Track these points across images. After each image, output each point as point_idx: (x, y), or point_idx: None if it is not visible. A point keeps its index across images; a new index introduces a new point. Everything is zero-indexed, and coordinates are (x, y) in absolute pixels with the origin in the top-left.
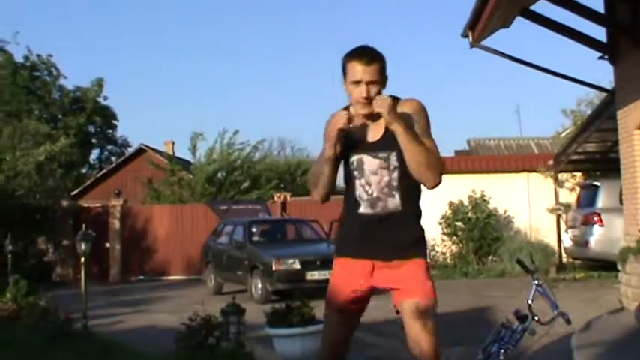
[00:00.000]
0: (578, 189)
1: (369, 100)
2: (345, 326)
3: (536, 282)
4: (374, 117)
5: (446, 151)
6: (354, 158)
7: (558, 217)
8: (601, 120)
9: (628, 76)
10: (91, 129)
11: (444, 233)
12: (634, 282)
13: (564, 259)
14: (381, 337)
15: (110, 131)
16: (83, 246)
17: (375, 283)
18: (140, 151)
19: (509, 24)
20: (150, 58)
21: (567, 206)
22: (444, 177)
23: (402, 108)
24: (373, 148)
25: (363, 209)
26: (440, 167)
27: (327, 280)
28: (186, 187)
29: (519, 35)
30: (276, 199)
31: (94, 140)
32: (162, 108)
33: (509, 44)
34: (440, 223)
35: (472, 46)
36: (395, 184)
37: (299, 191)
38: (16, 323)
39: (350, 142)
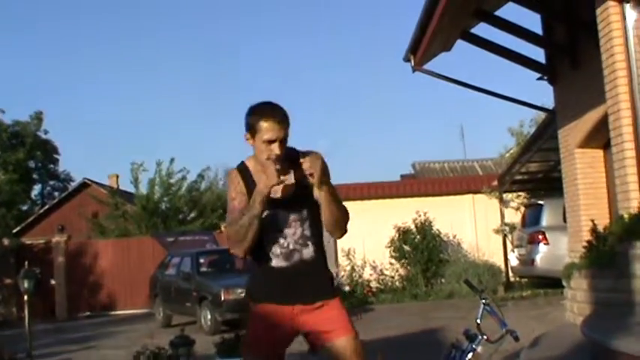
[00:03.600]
0: (523, 208)
1: (280, 157)
2: None
3: (483, 301)
4: (282, 172)
5: (392, 175)
6: (267, 213)
7: (504, 236)
8: (543, 140)
9: (567, 95)
10: (32, 164)
11: (392, 257)
12: (579, 297)
13: (512, 278)
14: None
15: (52, 166)
16: (26, 284)
17: (300, 327)
18: (83, 185)
19: (450, 47)
20: (90, 90)
21: (513, 226)
22: (391, 200)
23: (307, 161)
24: (287, 202)
25: (275, 263)
26: (347, 220)
27: None
28: (132, 220)
29: (462, 58)
30: (222, 228)
31: (35, 175)
32: (105, 141)
33: (452, 67)
34: (388, 247)
35: (414, 70)
36: (308, 234)
37: None
38: None
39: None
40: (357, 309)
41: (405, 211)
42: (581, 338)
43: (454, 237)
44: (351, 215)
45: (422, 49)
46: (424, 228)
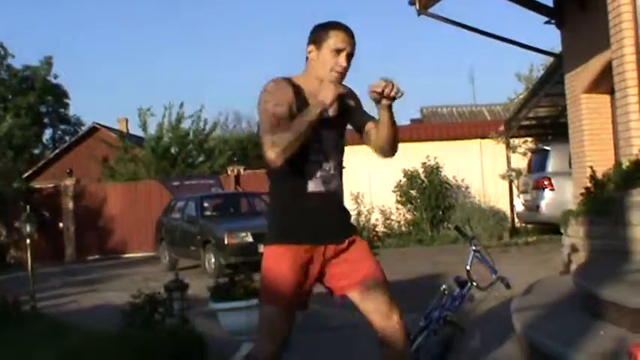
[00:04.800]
0: (529, 154)
1: (345, 71)
2: (293, 318)
3: (474, 248)
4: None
5: (401, 119)
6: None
7: (510, 182)
8: (550, 84)
9: (574, 39)
10: (43, 108)
11: (398, 202)
12: (576, 244)
13: (517, 224)
14: (331, 307)
15: (62, 110)
16: (28, 228)
17: (329, 270)
18: (93, 130)
19: None
20: (101, 33)
21: (519, 172)
22: (400, 145)
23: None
24: (333, 123)
25: (314, 187)
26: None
27: None
28: (141, 164)
29: (469, 2)
30: (229, 172)
31: (46, 120)
32: (116, 85)
33: (460, 11)
34: (394, 192)
35: (419, 13)
36: (341, 163)
37: (253, 164)
38: None
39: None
40: None
41: (412, 156)
42: (574, 287)
43: (462, 182)
44: (359, 160)
45: None
46: (432, 173)
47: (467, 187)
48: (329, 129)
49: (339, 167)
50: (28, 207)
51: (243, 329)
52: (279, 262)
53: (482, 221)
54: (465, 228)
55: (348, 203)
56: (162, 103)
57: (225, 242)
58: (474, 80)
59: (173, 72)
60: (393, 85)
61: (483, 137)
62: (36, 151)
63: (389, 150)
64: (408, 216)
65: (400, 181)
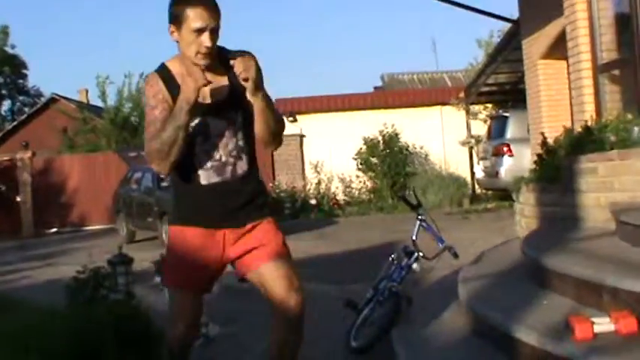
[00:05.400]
0: (489, 121)
1: (211, 50)
2: (200, 299)
3: (420, 217)
4: (209, 70)
5: (364, 87)
6: (197, 121)
7: (470, 149)
8: (508, 51)
9: (532, 4)
10: (0, 79)
11: (359, 169)
12: (527, 212)
13: (477, 191)
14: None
15: (21, 81)
16: None
17: (231, 254)
18: (52, 101)
19: None
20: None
21: (479, 138)
22: (359, 113)
23: (239, 62)
24: (219, 109)
25: (205, 179)
26: (283, 130)
27: None
28: (101, 135)
29: None
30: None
31: (4, 91)
32: (77, 55)
33: None
34: (355, 159)
35: None
36: (242, 144)
37: None
38: None
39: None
40: (321, 222)
41: (373, 124)
42: (522, 255)
43: (421, 149)
44: (319, 128)
45: None
46: (391, 140)
47: (427, 155)
48: (215, 116)
49: (240, 151)
50: None
51: None
52: (179, 243)
53: (442, 188)
54: (420, 195)
55: (307, 172)
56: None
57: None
58: (435, 47)
59: (136, 42)
60: (248, 64)
61: (444, 104)
62: None
63: (268, 142)
64: (369, 184)
65: (361, 149)
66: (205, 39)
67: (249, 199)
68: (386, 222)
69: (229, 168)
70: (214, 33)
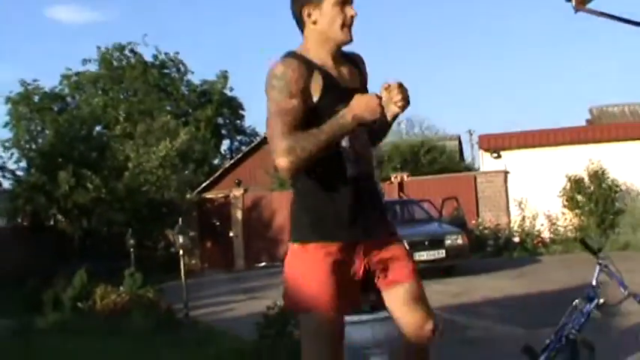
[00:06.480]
0: None
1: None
2: (342, 335)
3: (600, 262)
4: (339, 52)
5: (571, 121)
6: (341, 107)
7: None
8: None
9: None
10: (220, 121)
11: (564, 206)
12: None
13: None
14: (475, 319)
15: (239, 122)
16: (181, 239)
17: (369, 266)
18: (266, 140)
19: None
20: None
21: None
22: (566, 148)
23: (352, 63)
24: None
25: (350, 170)
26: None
27: (436, 261)
28: None
29: None
30: (392, 179)
31: (223, 131)
32: None
33: (623, 4)
34: (560, 197)
35: (576, 10)
36: (368, 141)
37: (422, 171)
38: (130, 314)
39: (330, 86)
40: (524, 260)
41: (580, 159)
42: None
43: (632, 185)
44: (524, 164)
45: None
46: (597, 177)
47: (638, 191)
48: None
49: (368, 146)
50: (180, 220)
51: (369, 342)
52: (310, 265)
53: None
54: (630, 233)
55: (512, 209)
56: None
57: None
58: None
59: None
60: (403, 90)
61: None
62: (215, 162)
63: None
64: (575, 221)
65: (566, 185)
66: (351, 9)
67: (379, 204)
68: (590, 262)
69: (363, 162)
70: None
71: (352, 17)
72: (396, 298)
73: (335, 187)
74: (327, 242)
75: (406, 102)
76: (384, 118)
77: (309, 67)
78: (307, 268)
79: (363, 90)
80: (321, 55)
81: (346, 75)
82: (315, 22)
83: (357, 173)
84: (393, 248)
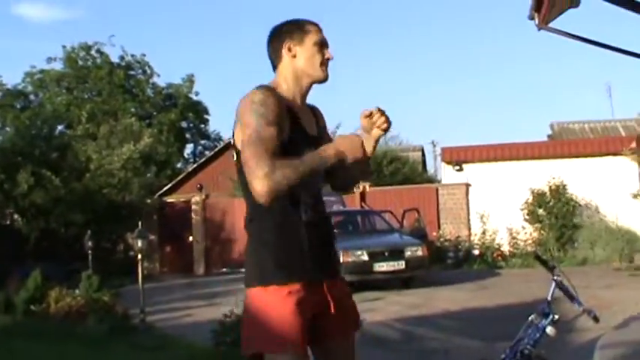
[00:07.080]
0: None
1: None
2: None
3: (555, 278)
4: (304, 97)
5: (532, 136)
6: (307, 151)
7: None
8: None
9: None
10: (184, 124)
11: (525, 220)
12: None
13: None
14: (433, 331)
15: (203, 126)
16: (139, 243)
17: (328, 309)
18: (229, 146)
19: (577, 3)
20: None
21: None
22: (527, 162)
23: (312, 112)
24: (316, 143)
25: (306, 215)
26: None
27: (395, 272)
28: None
29: (601, 11)
30: (354, 189)
31: (187, 135)
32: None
33: (591, 21)
34: (522, 209)
35: (539, 28)
36: (321, 184)
37: (384, 181)
38: (85, 318)
39: (297, 127)
40: (483, 273)
41: (542, 174)
42: None
43: (591, 201)
44: (486, 178)
45: (545, 5)
46: (558, 192)
47: (597, 207)
48: (314, 149)
49: (321, 190)
50: (140, 223)
51: None
52: (278, 306)
53: (611, 242)
54: (588, 248)
55: (473, 222)
56: None
57: (341, 261)
58: (611, 94)
59: None
60: (384, 114)
61: (615, 154)
62: (178, 165)
63: (349, 187)
64: (535, 235)
65: (528, 199)
66: (327, 52)
67: (333, 245)
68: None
69: (319, 206)
70: None
71: (328, 59)
72: (340, 346)
73: (293, 229)
74: (290, 283)
75: (389, 124)
76: (365, 158)
77: (282, 102)
78: (273, 308)
79: (324, 139)
80: (292, 92)
81: (307, 121)
82: (294, 56)
83: (315, 213)
84: (342, 287)
